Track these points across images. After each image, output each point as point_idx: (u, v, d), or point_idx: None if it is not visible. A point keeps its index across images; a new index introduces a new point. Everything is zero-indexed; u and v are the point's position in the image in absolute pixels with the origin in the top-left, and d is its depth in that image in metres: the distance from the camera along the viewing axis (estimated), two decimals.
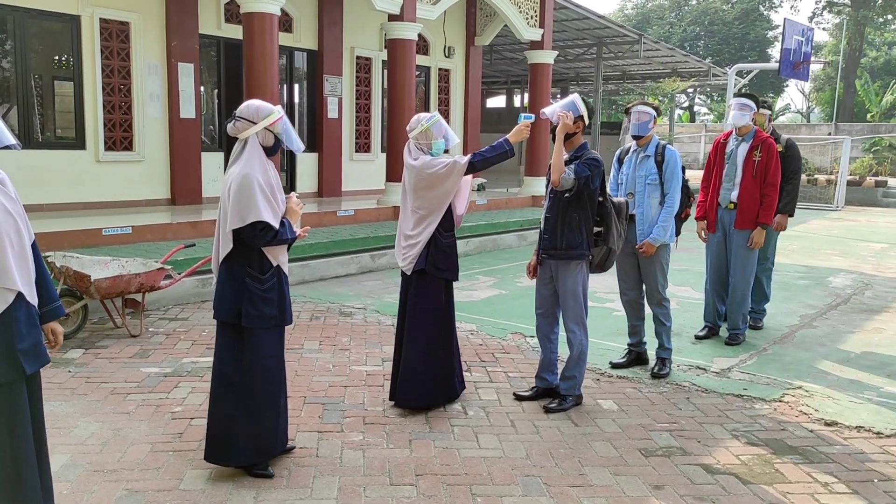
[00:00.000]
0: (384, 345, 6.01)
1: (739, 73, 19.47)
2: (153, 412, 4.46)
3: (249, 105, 3.61)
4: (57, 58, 10.43)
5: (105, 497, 3.40)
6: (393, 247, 9.33)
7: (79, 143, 10.16)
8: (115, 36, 10.34)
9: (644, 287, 5.51)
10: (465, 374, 5.12)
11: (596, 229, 4.68)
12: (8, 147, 2.64)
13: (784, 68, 16.81)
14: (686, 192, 5.39)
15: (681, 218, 5.45)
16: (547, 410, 4.66)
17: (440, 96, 16.02)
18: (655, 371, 5.41)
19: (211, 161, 11.72)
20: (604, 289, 8.09)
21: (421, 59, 14.51)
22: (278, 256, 3.64)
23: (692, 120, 42.00)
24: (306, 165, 13.31)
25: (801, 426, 4.54)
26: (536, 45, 14.61)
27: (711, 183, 6.27)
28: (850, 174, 21.87)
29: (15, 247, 2.67)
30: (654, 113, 5.40)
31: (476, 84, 16.63)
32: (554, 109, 4.72)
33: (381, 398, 4.83)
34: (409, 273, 4.58)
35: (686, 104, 42.64)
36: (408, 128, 4.63)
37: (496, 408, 4.71)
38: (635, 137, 5.41)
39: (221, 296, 3.56)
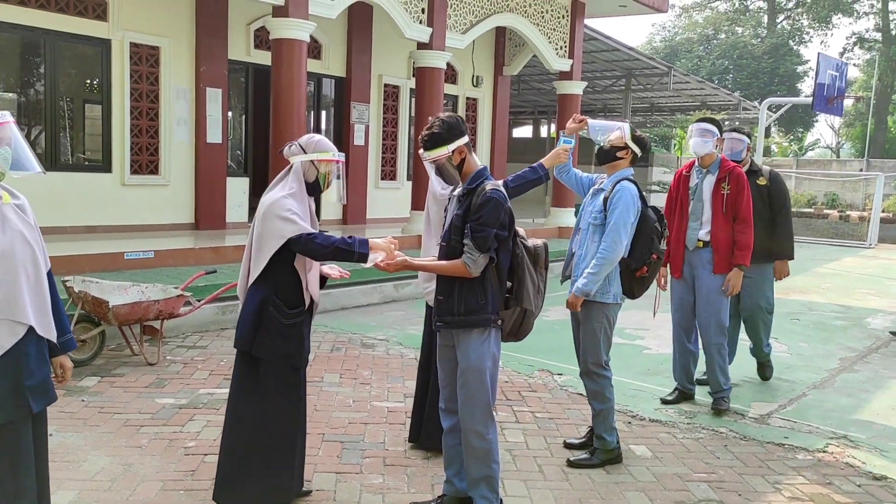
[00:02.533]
0: (406, 379, 5.81)
1: (771, 108, 19.21)
2: (166, 447, 4.29)
3: (311, 137, 3.59)
4: (87, 81, 10.47)
5: None
6: (416, 277, 9.19)
7: (105, 166, 10.15)
8: (145, 60, 10.37)
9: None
10: None
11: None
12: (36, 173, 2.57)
13: (818, 103, 16.52)
14: (649, 246, 4.26)
15: (635, 276, 4.30)
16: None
17: (468, 125, 15.94)
18: (574, 460, 4.33)
19: (236, 186, 11.67)
20: (633, 324, 7.85)
21: (449, 88, 14.46)
22: (314, 290, 3.48)
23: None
24: (331, 192, 13.20)
25: (847, 479, 4.26)
26: (565, 76, 14.51)
27: (675, 222, 5.32)
28: (883, 211, 21.42)
29: (31, 278, 2.55)
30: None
31: (503, 113, 16.54)
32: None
33: (403, 437, 4.62)
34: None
35: None
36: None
37: (523, 451, 4.48)
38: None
39: (243, 323, 3.40)
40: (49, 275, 2.69)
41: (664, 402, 5.48)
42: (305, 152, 3.49)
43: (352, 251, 3.32)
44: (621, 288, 4.30)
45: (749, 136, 5.76)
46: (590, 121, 4.59)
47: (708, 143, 5.14)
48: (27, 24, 9.25)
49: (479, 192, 3.30)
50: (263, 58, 11.44)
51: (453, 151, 3.34)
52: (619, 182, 4.27)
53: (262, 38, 11.61)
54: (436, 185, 4.47)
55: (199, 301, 6.40)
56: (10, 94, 9.54)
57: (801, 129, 42.00)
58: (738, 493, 4.03)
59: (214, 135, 11.10)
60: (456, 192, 3.47)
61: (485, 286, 3.35)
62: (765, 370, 6.18)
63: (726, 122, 33.28)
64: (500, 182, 3.56)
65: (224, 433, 3.50)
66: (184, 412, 4.87)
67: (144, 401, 5.05)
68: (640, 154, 4.36)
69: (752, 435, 4.90)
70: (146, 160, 10.54)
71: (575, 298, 4.26)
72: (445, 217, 3.70)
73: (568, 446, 4.57)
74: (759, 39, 43.58)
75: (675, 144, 33.68)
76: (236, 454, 3.42)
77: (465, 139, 3.36)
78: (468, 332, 3.37)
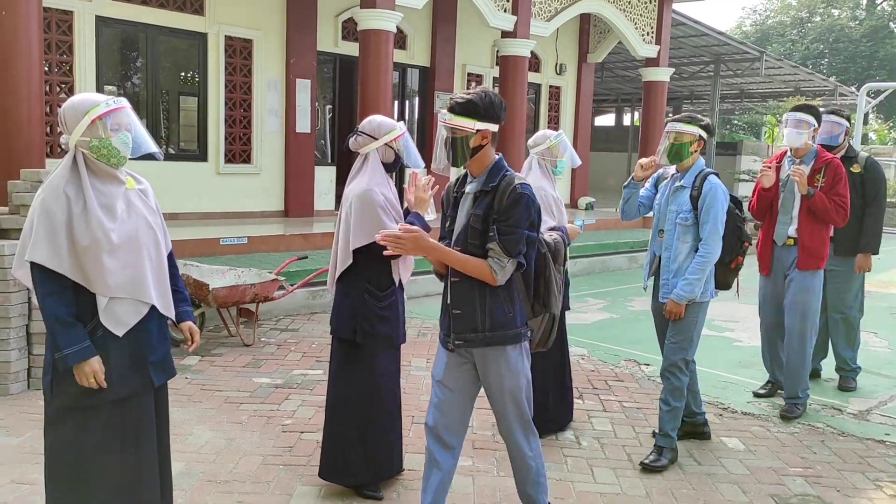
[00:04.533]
0: None
1: (870, 93, 18.29)
2: (265, 423, 4.47)
3: (371, 120, 3.57)
4: (183, 74, 10.90)
5: None
6: None
7: (201, 155, 10.56)
8: (239, 53, 10.72)
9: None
10: (576, 401, 4.91)
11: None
12: (149, 156, 2.70)
13: None
14: (737, 235, 4.15)
15: (730, 268, 4.19)
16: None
17: (550, 114, 15.82)
18: (647, 462, 4.10)
19: (323, 175, 11.96)
20: (722, 316, 7.67)
21: (532, 77, 14.38)
22: (404, 269, 3.56)
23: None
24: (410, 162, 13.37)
25: None
26: (651, 63, 14.21)
27: (765, 216, 5.08)
28: None
29: (153, 261, 2.71)
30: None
31: (587, 102, 16.34)
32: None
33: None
34: None
35: None
36: (531, 142, 4.48)
37: (611, 439, 4.48)
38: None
39: (339, 312, 3.52)
40: (170, 255, 2.85)
41: (756, 395, 5.35)
42: (376, 138, 3.51)
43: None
44: (715, 282, 4.19)
45: (848, 119, 5.46)
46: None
47: (802, 135, 4.83)
48: (129, 19, 9.68)
49: (506, 189, 2.85)
50: (350, 49, 11.65)
51: (478, 131, 2.87)
52: (705, 178, 4.05)
53: (349, 30, 11.82)
54: (524, 172, 4.50)
55: (291, 285, 6.61)
56: (111, 87, 10.01)
57: None
58: (837, 489, 3.92)
59: (303, 125, 11.39)
60: (469, 188, 2.98)
61: (511, 295, 2.93)
62: (847, 383, 5.61)
63: (822, 109, 31.87)
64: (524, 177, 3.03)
65: (327, 414, 3.62)
66: (279, 391, 5.06)
67: (242, 379, 5.27)
68: (707, 139, 4.16)
69: (851, 431, 4.75)
70: (239, 149, 10.91)
71: (676, 306, 4.05)
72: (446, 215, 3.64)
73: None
74: (856, 22, 41.47)
75: (765, 132, 32.57)
76: (340, 434, 3.54)
77: (496, 128, 2.93)
78: (498, 351, 2.94)
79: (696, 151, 4.11)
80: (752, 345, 6.60)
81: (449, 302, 2.99)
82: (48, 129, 8.39)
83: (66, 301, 2.55)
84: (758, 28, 45.59)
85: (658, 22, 14.09)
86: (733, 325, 7.50)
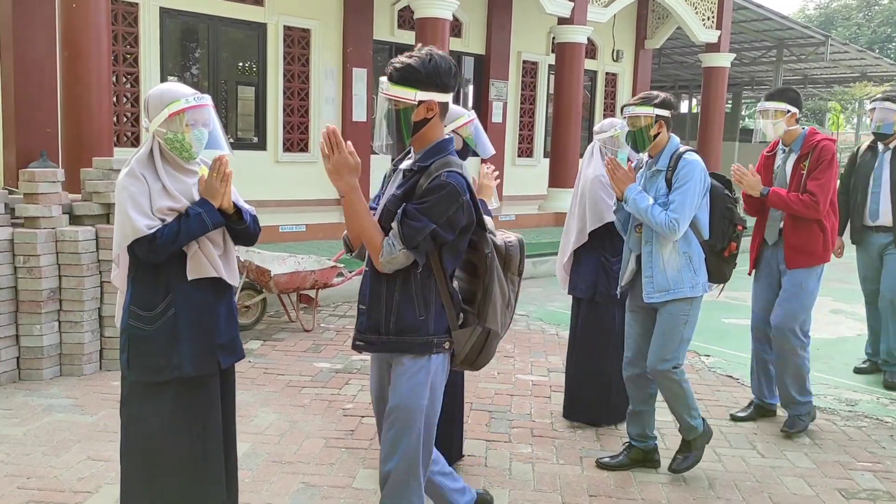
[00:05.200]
0: (549, 354, 5.86)
1: None
2: (326, 407, 4.55)
3: None
4: (241, 64, 11.09)
5: (283, 488, 3.48)
6: (553, 254, 9.17)
7: (260, 144, 10.75)
8: (297, 42, 10.86)
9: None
10: None
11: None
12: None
13: None
14: (728, 218, 3.70)
15: (723, 257, 3.71)
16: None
17: (606, 101, 15.63)
18: (676, 466, 3.80)
19: (378, 164, 12.03)
20: None
21: (588, 63, 14.21)
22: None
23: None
24: (468, 169, 13.37)
25: None
26: (712, 48, 13.93)
27: (758, 213, 4.52)
28: None
29: (220, 243, 2.80)
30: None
31: (644, 89, 16.08)
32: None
33: (549, 410, 4.68)
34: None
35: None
36: (597, 128, 4.43)
37: (671, 430, 4.42)
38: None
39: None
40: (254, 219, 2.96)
41: (734, 417, 4.65)
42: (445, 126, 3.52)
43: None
44: (708, 275, 3.67)
45: None
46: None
47: (779, 124, 4.30)
48: (191, 10, 9.89)
49: (433, 172, 2.41)
50: (406, 37, 11.69)
51: (421, 102, 2.41)
52: (680, 157, 3.60)
53: (405, 18, 11.86)
54: (585, 159, 4.46)
55: (350, 272, 6.70)
56: (173, 77, 10.25)
57: None
58: None
59: (359, 113, 11.49)
60: (403, 164, 2.58)
61: (427, 296, 2.47)
62: (894, 377, 5.29)
63: (878, 96, 30.75)
64: (464, 166, 2.53)
65: None
66: (340, 376, 5.14)
67: (304, 364, 5.37)
68: (669, 115, 3.67)
69: None
70: (297, 138, 11.07)
71: (619, 172, 3.59)
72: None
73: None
74: None
75: (829, 119, 31.59)
76: None
77: (445, 98, 2.46)
78: (401, 360, 2.52)
79: (659, 133, 3.64)
80: (817, 337, 6.43)
81: (359, 297, 2.61)
82: (115, 118, 8.65)
83: (167, 228, 2.64)
84: (822, 12, 44.20)
85: (719, 6, 13.79)
86: None
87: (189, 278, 2.71)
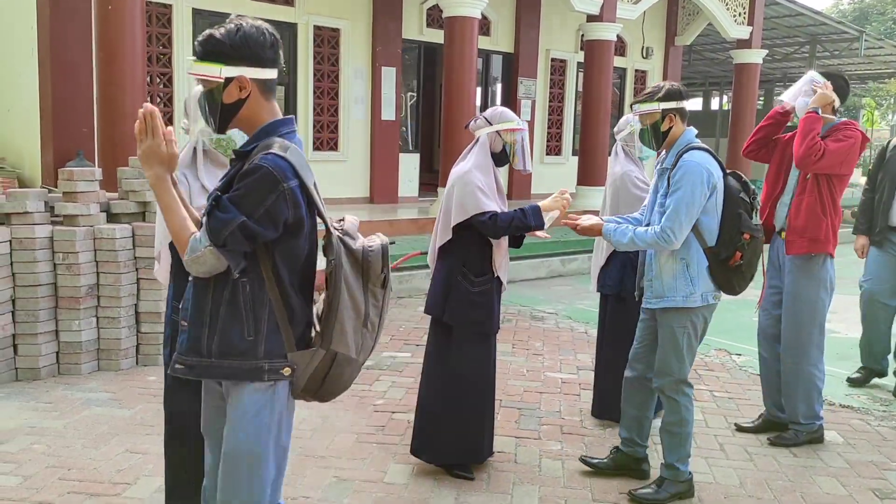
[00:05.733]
0: (578, 352, 5.86)
1: None
2: (357, 403, 4.60)
3: (495, 108, 3.71)
4: None
5: (317, 482, 3.54)
6: (583, 252, 9.15)
7: None
8: (327, 42, 10.94)
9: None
10: None
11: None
12: None
13: None
14: (736, 225, 3.36)
15: (728, 266, 3.39)
16: None
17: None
18: (638, 493, 3.51)
19: (407, 162, 12.10)
20: None
21: (617, 61, 14.11)
22: (500, 262, 3.60)
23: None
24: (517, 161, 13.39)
25: None
26: (743, 44, 13.77)
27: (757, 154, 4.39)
28: None
29: None
30: None
31: None
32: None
33: (578, 407, 4.68)
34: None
35: None
36: (616, 129, 4.48)
37: (702, 429, 4.41)
38: None
39: (434, 291, 3.60)
40: None
41: (740, 428, 4.45)
42: (491, 124, 3.61)
43: (528, 225, 3.47)
44: (713, 284, 3.42)
45: None
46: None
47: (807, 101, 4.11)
48: (223, 10, 9.99)
49: (253, 157, 2.02)
50: (435, 36, 11.73)
51: (230, 80, 2.05)
52: (682, 154, 3.36)
53: (433, 17, 11.89)
54: (611, 160, 4.48)
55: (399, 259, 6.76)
56: None
57: None
58: None
59: (388, 112, 11.55)
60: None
61: (257, 312, 2.04)
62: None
63: None
64: (293, 148, 2.05)
65: (420, 393, 3.72)
66: (370, 372, 5.19)
67: None
68: (683, 105, 3.46)
69: None
70: (327, 137, 11.16)
71: (591, 230, 3.49)
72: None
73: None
74: None
75: (863, 115, 31.05)
76: (431, 414, 3.62)
77: (262, 73, 2.08)
78: (239, 388, 2.08)
79: (671, 127, 3.43)
80: (851, 336, 6.36)
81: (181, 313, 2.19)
82: None
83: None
84: (856, 6, 43.38)
85: (751, 2, 13.64)
86: (830, 315, 7.22)
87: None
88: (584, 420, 4.48)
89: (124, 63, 6.62)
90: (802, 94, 4.16)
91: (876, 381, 5.34)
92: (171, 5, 9.48)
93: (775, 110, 4.31)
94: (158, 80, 9.55)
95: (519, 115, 13.29)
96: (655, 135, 3.47)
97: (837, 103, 4.12)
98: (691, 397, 3.53)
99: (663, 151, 3.55)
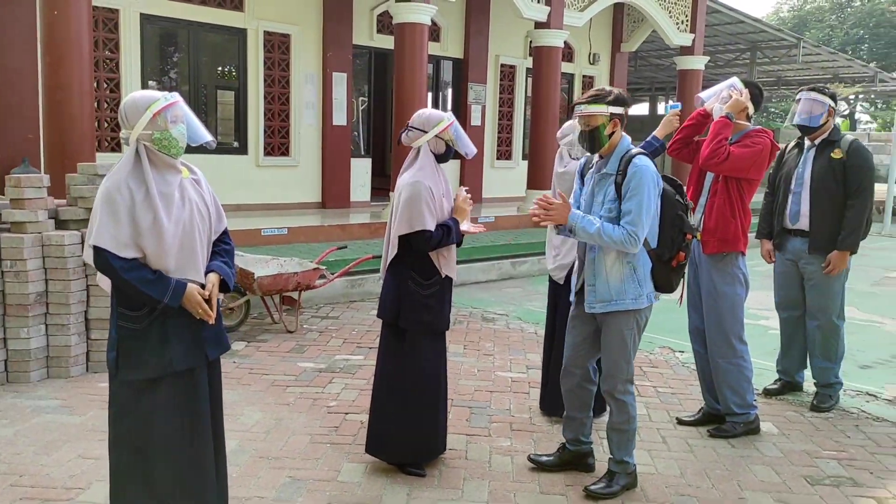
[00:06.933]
0: (528, 352, 6.00)
1: None
2: (311, 405, 4.66)
3: (420, 114, 3.74)
4: (220, 69, 11.16)
5: (270, 482, 3.59)
6: (536, 254, 9.33)
7: (241, 148, 10.81)
8: (277, 47, 10.94)
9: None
10: None
11: None
12: (205, 144, 2.89)
13: None
14: (678, 226, 3.53)
15: (671, 267, 3.56)
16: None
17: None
18: (594, 489, 3.62)
19: (359, 167, 12.15)
20: (756, 304, 7.69)
21: (565, 67, 14.40)
22: (446, 264, 3.70)
23: (853, 128, 39.27)
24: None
25: None
26: (686, 51, 14.17)
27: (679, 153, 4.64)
28: None
29: (203, 244, 2.89)
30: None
31: None
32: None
33: (528, 405, 4.82)
34: (560, 282, 4.55)
35: (846, 111, 39.92)
36: (559, 134, 4.61)
37: (646, 423, 4.58)
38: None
39: (386, 298, 3.69)
40: (225, 231, 3.05)
41: (680, 421, 4.64)
42: (426, 131, 3.67)
43: (451, 241, 3.65)
44: (653, 284, 3.55)
45: (833, 98, 4.77)
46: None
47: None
48: (171, 16, 9.95)
49: None
50: (385, 42, 11.82)
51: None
52: (630, 160, 3.43)
53: (384, 23, 11.98)
54: (556, 162, 4.62)
55: (332, 274, 6.81)
56: (153, 82, 10.29)
57: None
58: (870, 471, 3.99)
59: (340, 117, 11.60)
60: None
61: None
62: (822, 401, 4.90)
63: (861, 96, 31.07)
64: None
65: (374, 394, 3.80)
66: (323, 375, 5.25)
67: (287, 364, 5.47)
68: (624, 113, 3.50)
69: (886, 416, 4.80)
70: (278, 142, 11.16)
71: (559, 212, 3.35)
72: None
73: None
74: None
75: None
76: (386, 413, 3.71)
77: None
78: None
79: (613, 132, 3.47)
80: None
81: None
82: (96, 123, 8.69)
83: (140, 266, 2.71)
84: (795, 14, 44.79)
85: (693, 10, 14.05)
86: (768, 312, 7.51)
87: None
88: (533, 417, 4.62)
89: (71, 68, 6.56)
90: (720, 99, 4.42)
91: (808, 373, 5.59)
92: (118, 10, 9.39)
93: (697, 112, 4.56)
94: (105, 84, 9.45)
95: (469, 121, 13.50)
96: (597, 138, 3.47)
97: (751, 111, 4.39)
98: (634, 395, 3.70)
99: (596, 156, 3.60)
